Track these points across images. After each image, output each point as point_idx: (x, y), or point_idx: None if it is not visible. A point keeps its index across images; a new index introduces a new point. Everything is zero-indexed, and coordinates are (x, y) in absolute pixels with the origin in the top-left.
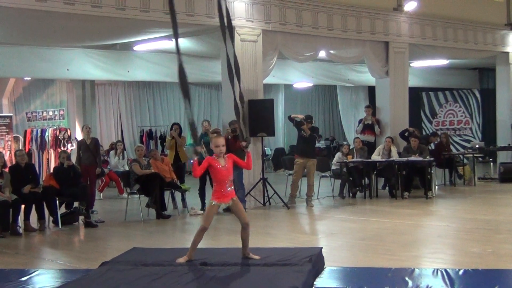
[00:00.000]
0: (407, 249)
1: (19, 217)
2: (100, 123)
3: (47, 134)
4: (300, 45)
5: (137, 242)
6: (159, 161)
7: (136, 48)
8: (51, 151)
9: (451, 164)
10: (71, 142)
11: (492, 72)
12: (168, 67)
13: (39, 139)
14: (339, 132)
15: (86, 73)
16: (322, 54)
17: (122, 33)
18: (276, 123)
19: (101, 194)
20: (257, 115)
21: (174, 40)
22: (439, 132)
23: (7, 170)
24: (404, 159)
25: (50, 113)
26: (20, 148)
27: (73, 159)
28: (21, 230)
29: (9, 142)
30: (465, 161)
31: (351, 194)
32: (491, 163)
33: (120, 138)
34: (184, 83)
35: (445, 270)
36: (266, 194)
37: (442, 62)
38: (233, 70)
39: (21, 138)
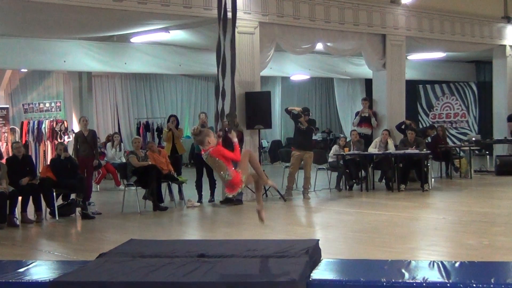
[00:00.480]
0: (403, 241)
1: (16, 209)
2: (97, 115)
3: (43, 126)
4: (297, 37)
5: (134, 234)
6: (156, 153)
7: (133, 40)
8: (48, 143)
9: (448, 157)
10: (67, 134)
11: (489, 65)
12: (165, 59)
13: (35, 131)
14: (336, 125)
15: (83, 65)
16: (319, 46)
17: (119, 25)
18: (273, 115)
19: (98, 186)
20: (254, 107)
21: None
22: (436, 125)
23: (4, 161)
24: (401, 151)
25: (47, 104)
26: (17, 140)
27: (70, 151)
28: (18, 222)
29: (6, 134)
30: (462, 154)
31: (347, 187)
32: (488, 156)
33: (117, 130)
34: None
35: (441, 262)
36: (263, 187)
37: (439, 55)
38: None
39: (18, 129)
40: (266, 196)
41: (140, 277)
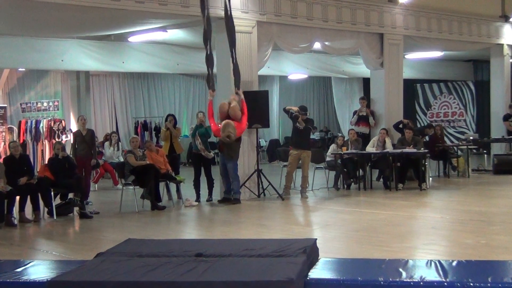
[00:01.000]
0: (401, 240)
1: (14, 208)
2: (95, 114)
3: (41, 125)
4: (295, 36)
5: (132, 233)
6: (154, 152)
7: (131, 39)
8: (46, 142)
9: (445, 156)
10: (65, 133)
11: (486, 64)
12: (163, 58)
13: (33, 130)
14: (333, 124)
15: (80, 64)
16: (317, 45)
17: (117, 24)
18: (271, 114)
19: (96, 185)
20: (252, 106)
21: None
22: (433, 124)
23: (1, 161)
24: (399, 150)
25: (45, 104)
26: (15, 139)
27: (68, 150)
28: (16, 221)
29: (4, 133)
30: (459, 153)
31: (345, 186)
32: (485, 155)
33: (114, 129)
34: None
35: (439, 261)
36: (261, 186)
37: (436, 54)
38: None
39: (16, 129)
40: (264, 195)
41: (138, 276)
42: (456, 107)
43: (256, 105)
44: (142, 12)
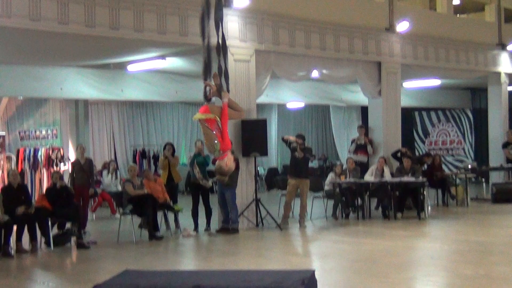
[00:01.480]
0: (400, 271)
1: (11, 238)
2: (93, 142)
3: (40, 153)
4: (293, 64)
5: (130, 264)
6: (152, 181)
7: (130, 67)
8: (44, 171)
9: (444, 184)
10: (64, 162)
11: (484, 92)
12: (162, 86)
13: (31, 159)
14: (332, 152)
15: (79, 92)
16: (315, 74)
17: (116, 53)
18: (269, 142)
19: (94, 214)
20: (250, 135)
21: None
22: (432, 153)
23: None
24: (397, 179)
25: (43, 132)
26: (13, 167)
27: (66, 179)
28: (12, 252)
29: (2, 162)
30: (458, 181)
31: (344, 215)
32: (484, 184)
33: (113, 157)
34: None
35: None
36: (259, 215)
37: (434, 82)
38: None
39: (14, 157)
40: (263, 225)
41: None
42: (454, 135)
43: (255, 133)
44: (141, 40)
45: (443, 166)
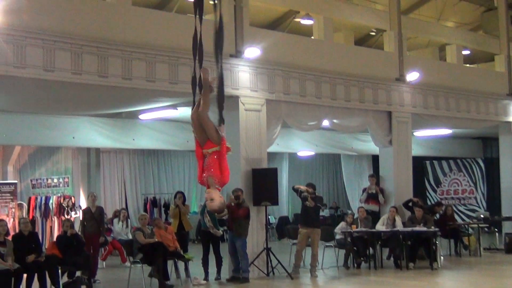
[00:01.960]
0: None
1: (21, 287)
2: (104, 190)
3: (51, 201)
4: (303, 114)
5: None
6: (163, 230)
7: (141, 116)
8: (55, 219)
9: (456, 234)
10: (75, 210)
11: (495, 141)
12: (173, 135)
13: (43, 207)
14: (343, 201)
15: (91, 141)
16: (325, 123)
17: (128, 102)
18: (280, 191)
19: (104, 262)
20: (261, 184)
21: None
22: (443, 202)
23: (10, 238)
24: (409, 229)
25: (55, 180)
26: (24, 215)
27: (77, 227)
28: None
29: (13, 209)
30: (470, 231)
31: (355, 265)
32: (497, 233)
33: (124, 206)
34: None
35: None
36: (270, 264)
37: (445, 131)
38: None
39: (25, 205)
40: (273, 274)
41: None
42: (466, 185)
43: (265, 182)
44: (153, 90)
45: (455, 216)
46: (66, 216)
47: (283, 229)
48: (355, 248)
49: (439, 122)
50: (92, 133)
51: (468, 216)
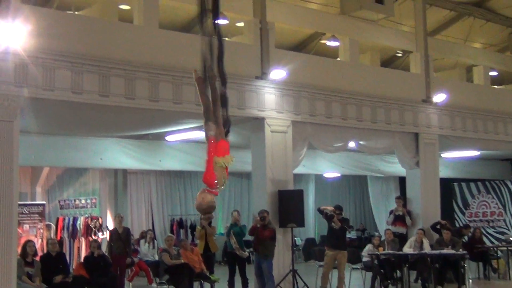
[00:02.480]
0: None
1: None
2: (131, 212)
3: (78, 222)
4: (329, 136)
5: None
6: (189, 251)
7: (168, 138)
8: (82, 240)
9: (485, 257)
10: (102, 231)
11: None
12: (200, 157)
13: (70, 227)
14: (370, 223)
15: (118, 162)
16: (352, 144)
17: (154, 124)
18: (306, 213)
19: (131, 283)
20: (287, 205)
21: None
22: (471, 225)
23: (38, 258)
24: (437, 251)
25: (83, 201)
26: (52, 236)
27: (104, 247)
28: None
29: (41, 230)
30: (499, 254)
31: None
32: None
33: (150, 227)
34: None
35: None
36: (296, 286)
37: (473, 153)
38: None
39: (53, 226)
40: None
41: None
42: (495, 207)
43: (291, 204)
44: (179, 112)
45: (484, 239)
46: (93, 237)
47: (310, 251)
48: (382, 270)
49: (467, 144)
50: (119, 155)
51: (497, 239)
